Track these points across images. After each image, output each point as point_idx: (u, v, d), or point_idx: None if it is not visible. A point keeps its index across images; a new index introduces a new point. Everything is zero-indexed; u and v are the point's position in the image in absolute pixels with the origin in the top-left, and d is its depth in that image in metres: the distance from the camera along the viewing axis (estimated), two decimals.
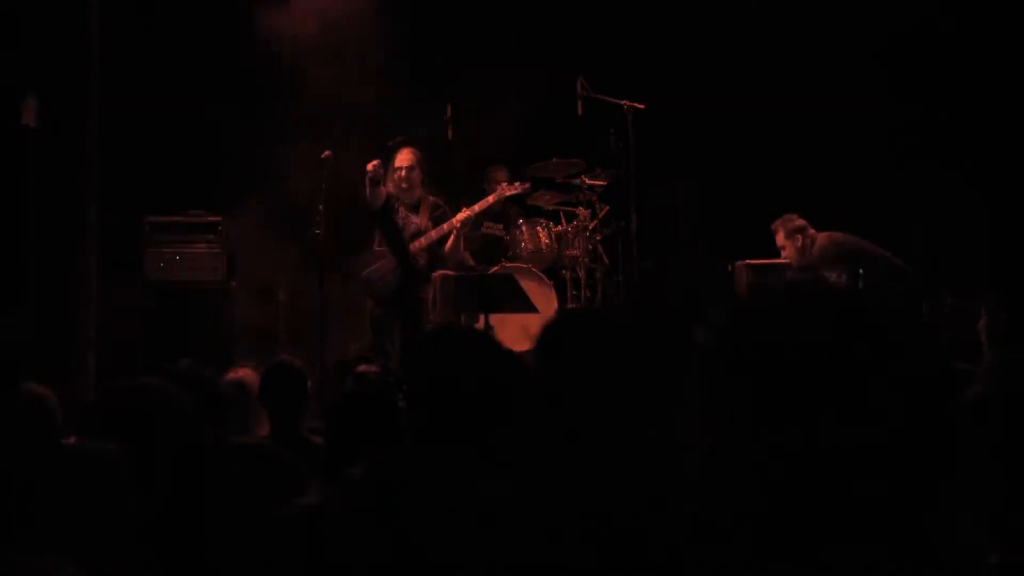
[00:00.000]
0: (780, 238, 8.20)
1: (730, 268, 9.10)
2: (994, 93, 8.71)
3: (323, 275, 7.73)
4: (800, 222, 8.17)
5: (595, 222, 8.74)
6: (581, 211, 8.70)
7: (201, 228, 8.35)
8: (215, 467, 3.04)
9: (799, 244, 8.10)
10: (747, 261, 8.86)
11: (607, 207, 8.79)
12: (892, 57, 8.79)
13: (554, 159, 8.77)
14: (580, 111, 8.50)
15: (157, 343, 7.98)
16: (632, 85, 8.56)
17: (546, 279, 8.50)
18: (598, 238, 8.75)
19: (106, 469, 2.13)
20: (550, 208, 8.99)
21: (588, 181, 8.71)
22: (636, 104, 8.41)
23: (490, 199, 8.18)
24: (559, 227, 8.80)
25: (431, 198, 8.12)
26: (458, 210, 8.02)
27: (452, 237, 7.96)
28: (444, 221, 7.97)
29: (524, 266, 8.44)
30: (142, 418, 2.77)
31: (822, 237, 8.15)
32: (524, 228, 8.73)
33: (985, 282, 8.20)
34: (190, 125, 8.83)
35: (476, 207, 8.08)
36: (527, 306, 7.36)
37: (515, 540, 1.92)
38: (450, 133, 8.51)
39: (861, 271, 7.69)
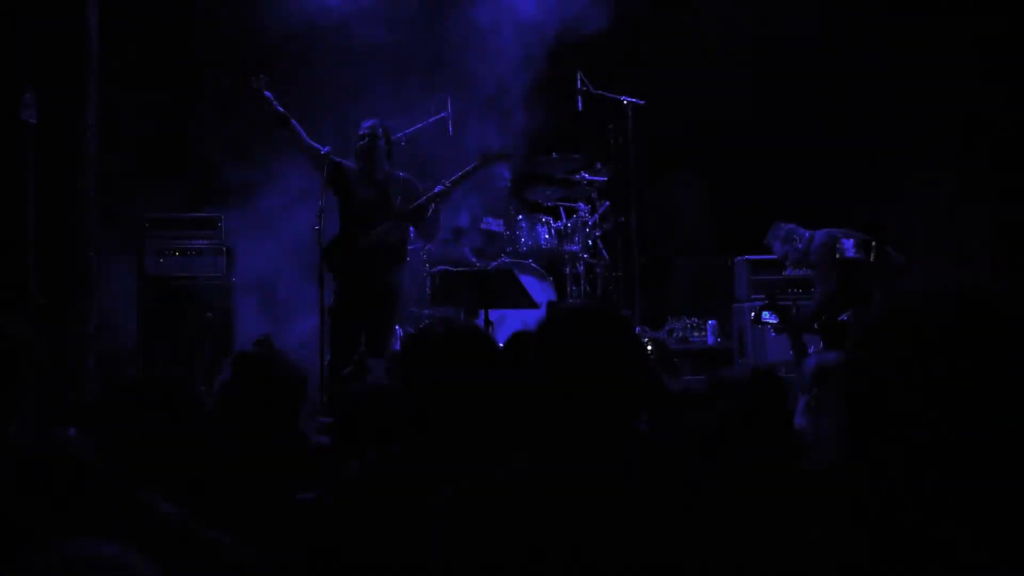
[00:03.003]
0: (776, 248, 8.13)
1: (729, 264, 9.12)
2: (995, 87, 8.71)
3: (322, 270, 7.70)
4: (787, 226, 8.14)
5: (595, 217, 8.75)
6: (581, 207, 8.72)
7: (201, 224, 8.37)
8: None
9: (795, 246, 8.06)
10: (746, 257, 8.88)
11: (607, 202, 8.80)
12: (889, 49, 8.79)
13: (554, 154, 8.77)
14: (580, 106, 8.50)
15: (157, 338, 8.00)
16: (632, 81, 8.56)
17: (546, 274, 8.50)
18: (598, 233, 8.76)
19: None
20: (550, 204, 8.99)
21: (588, 177, 8.72)
22: (636, 100, 8.42)
23: (468, 169, 7.52)
24: (559, 223, 8.80)
25: (400, 175, 7.49)
26: (435, 186, 7.48)
27: (428, 211, 7.42)
28: (414, 195, 7.41)
29: (524, 261, 8.45)
30: (153, 409, 2.76)
31: (820, 235, 8.14)
32: (524, 224, 8.74)
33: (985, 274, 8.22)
34: (190, 121, 8.83)
35: (456, 178, 7.46)
36: (527, 301, 7.36)
37: (520, 534, 1.93)
38: (451, 128, 8.50)
39: (874, 244, 7.60)
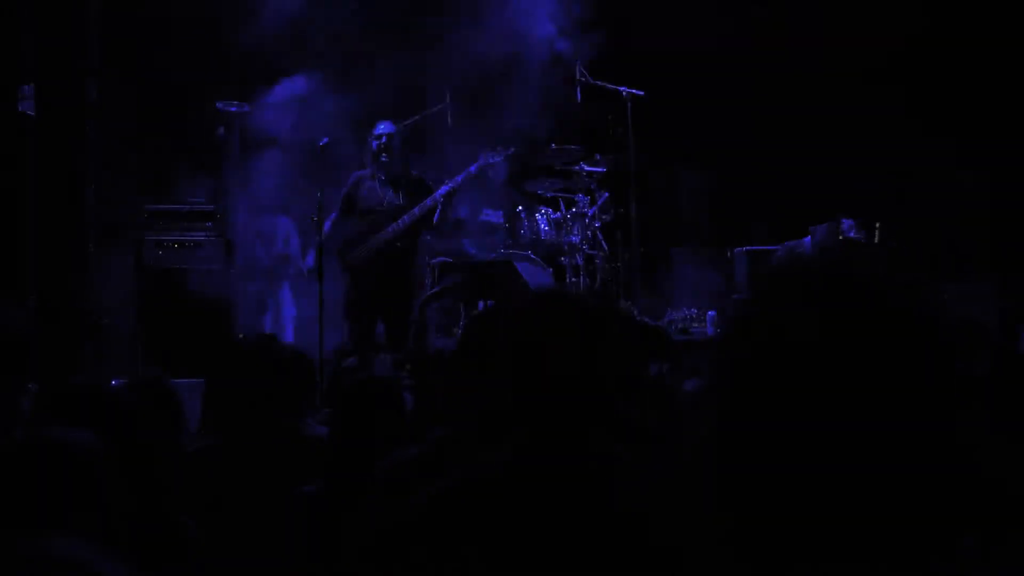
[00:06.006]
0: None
1: (729, 255, 9.11)
2: (993, 76, 8.69)
3: (320, 262, 7.71)
4: (787, 244, 8.14)
5: (594, 209, 8.72)
6: (580, 198, 8.69)
7: (199, 216, 8.35)
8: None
9: (797, 252, 8.04)
10: (746, 248, 8.87)
11: (606, 193, 8.78)
12: (890, 41, 8.77)
13: (553, 146, 8.75)
14: (579, 97, 8.48)
15: (155, 330, 7.99)
16: (631, 71, 8.54)
17: (545, 265, 8.48)
18: (597, 225, 8.74)
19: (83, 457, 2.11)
20: (549, 195, 8.97)
21: (587, 168, 8.70)
22: (635, 91, 8.39)
23: (471, 169, 7.99)
24: (558, 214, 8.78)
25: (413, 174, 8.00)
26: (441, 185, 7.93)
27: (437, 211, 7.84)
28: (424, 193, 7.86)
29: (523, 253, 8.43)
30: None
31: (821, 228, 8.13)
32: (523, 215, 8.72)
33: (987, 269, 8.21)
34: (188, 112, 8.81)
35: (459, 178, 7.93)
36: (526, 293, 7.34)
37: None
38: (449, 119, 8.48)
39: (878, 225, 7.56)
